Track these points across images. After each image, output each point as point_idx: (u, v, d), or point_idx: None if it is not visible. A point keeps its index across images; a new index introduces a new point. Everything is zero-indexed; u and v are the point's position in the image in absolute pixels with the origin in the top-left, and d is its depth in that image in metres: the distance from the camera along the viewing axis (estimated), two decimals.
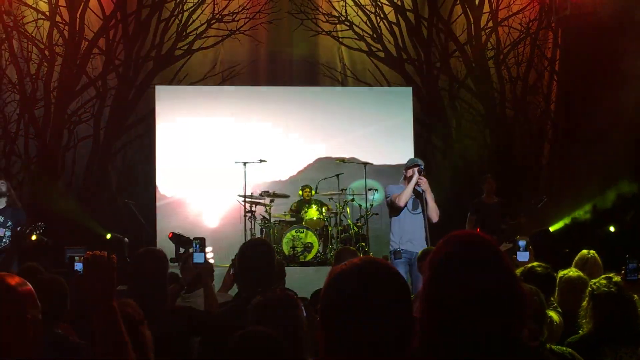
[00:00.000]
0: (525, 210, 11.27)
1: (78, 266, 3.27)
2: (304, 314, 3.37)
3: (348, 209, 11.97)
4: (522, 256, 5.56)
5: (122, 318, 3.24)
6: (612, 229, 12.21)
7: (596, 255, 6.52)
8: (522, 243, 5.68)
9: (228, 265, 5.82)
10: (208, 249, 5.12)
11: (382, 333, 1.80)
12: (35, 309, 2.58)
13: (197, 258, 5.02)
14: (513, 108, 14.45)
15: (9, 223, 9.04)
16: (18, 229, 8.48)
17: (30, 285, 2.61)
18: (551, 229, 12.11)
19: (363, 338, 1.79)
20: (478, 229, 11.19)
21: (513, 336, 2.01)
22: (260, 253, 4.39)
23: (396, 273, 1.90)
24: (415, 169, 8.19)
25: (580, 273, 5.40)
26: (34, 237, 8.11)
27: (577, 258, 6.53)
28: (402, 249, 8.17)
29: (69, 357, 3.48)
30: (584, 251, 6.59)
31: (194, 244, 5.08)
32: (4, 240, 8.90)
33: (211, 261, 5.27)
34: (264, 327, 2.96)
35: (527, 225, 11.15)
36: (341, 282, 1.85)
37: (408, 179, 8.27)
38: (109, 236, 12.31)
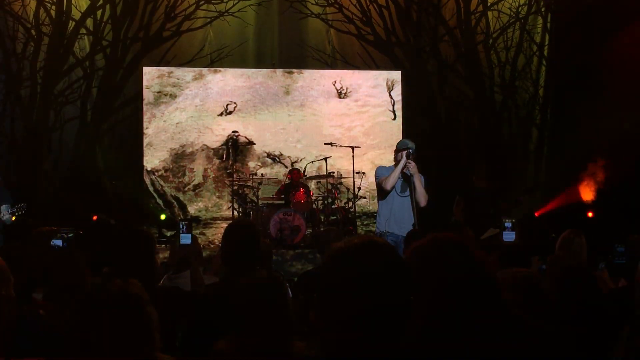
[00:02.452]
0: (521, 193, 11.25)
1: (56, 242, 3.25)
2: (290, 294, 3.37)
3: (336, 192, 11.96)
4: (508, 236, 5.59)
5: (127, 298, 3.22)
6: (590, 214, 12.25)
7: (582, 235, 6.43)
8: (508, 224, 5.72)
9: (216, 247, 5.81)
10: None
11: (381, 311, 1.79)
12: (6, 285, 2.53)
13: (184, 239, 5.00)
14: (502, 93, 14.46)
15: None
16: (15, 210, 8.44)
17: (3, 261, 2.56)
18: (536, 213, 12.14)
19: (362, 316, 1.78)
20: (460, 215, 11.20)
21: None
22: (245, 234, 4.37)
23: (395, 252, 1.88)
24: (404, 152, 8.15)
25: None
26: (13, 218, 8.09)
27: (560, 240, 6.44)
28: (389, 232, 8.14)
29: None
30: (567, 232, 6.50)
31: (181, 226, 5.06)
32: None
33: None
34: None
35: (525, 206, 11.20)
36: (341, 261, 1.85)
37: (398, 162, 8.24)
38: (95, 217, 12.26)
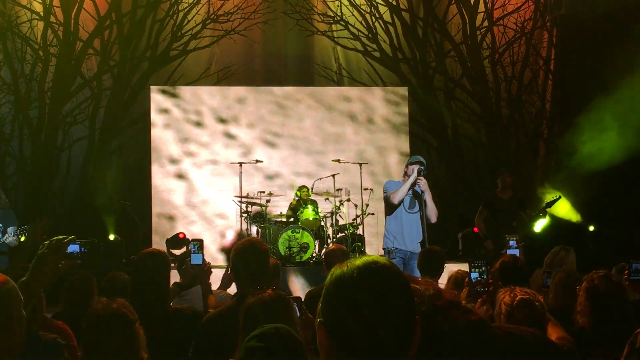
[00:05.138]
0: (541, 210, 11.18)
1: (73, 247, 3.25)
2: (297, 313, 3.36)
3: (344, 209, 11.93)
4: (513, 253, 5.61)
5: (117, 318, 3.25)
6: (591, 228, 12.22)
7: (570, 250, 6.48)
8: (512, 242, 5.76)
9: (224, 265, 5.81)
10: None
11: (386, 333, 1.79)
12: (19, 306, 2.55)
13: (195, 259, 5.00)
14: (508, 107, 14.47)
15: (0, 226, 8.98)
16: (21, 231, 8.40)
17: (12, 282, 2.58)
18: (537, 230, 12.09)
19: (366, 338, 1.78)
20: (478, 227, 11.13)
21: None
22: (253, 253, 4.38)
23: (399, 273, 1.88)
24: (415, 168, 8.13)
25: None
26: (22, 239, 8.09)
27: (551, 256, 6.49)
28: (397, 248, 8.13)
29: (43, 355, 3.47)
30: (556, 248, 6.55)
31: (192, 245, 5.06)
32: None
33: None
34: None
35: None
36: (343, 283, 1.84)
37: (407, 176, 8.23)
38: (112, 237, 12.27)
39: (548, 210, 11.25)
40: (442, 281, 6.28)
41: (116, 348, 3.20)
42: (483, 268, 4.40)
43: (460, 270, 5.83)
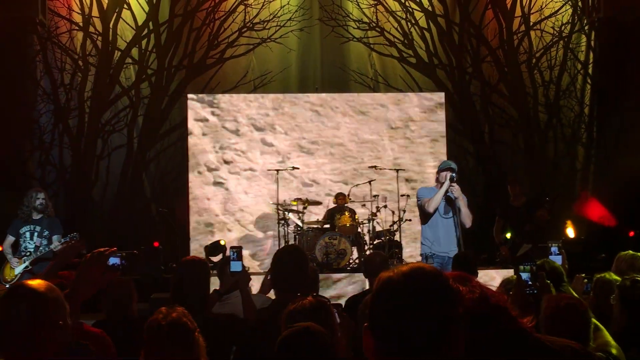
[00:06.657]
0: (545, 205, 11.16)
1: (113, 260, 3.28)
2: (337, 320, 3.37)
3: (381, 216, 11.92)
4: (555, 260, 5.55)
5: (177, 327, 3.27)
6: (631, 233, 12.07)
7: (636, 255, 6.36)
8: (554, 249, 5.68)
9: (262, 272, 5.83)
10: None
11: (432, 339, 1.80)
12: (65, 314, 2.59)
13: (234, 267, 5.02)
14: (546, 112, 14.34)
15: (46, 232, 9.20)
16: (68, 239, 8.51)
17: (59, 291, 2.63)
18: (571, 236, 11.97)
19: (413, 344, 1.80)
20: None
21: None
22: (293, 260, 4.40)
23: (445, 279, 1.89)
24: (447, 175, 8.11)
25: (612, 275, 5.36)
26: None
27: (618, 261, 6.37)
28: (434, 253, 8.12)
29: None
30: (622, 253, 6.42)
31: (231, 253, 5.08)
32: (40, 249, 9.03)
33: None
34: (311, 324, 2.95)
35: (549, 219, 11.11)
36: (389, 288, 1.86)
37: (440, 182, 8.21)
38: (156, 244, 12.34)
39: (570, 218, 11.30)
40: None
41: (177, 357, 3.22)
42: (534, 268, 4.36)
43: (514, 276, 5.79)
